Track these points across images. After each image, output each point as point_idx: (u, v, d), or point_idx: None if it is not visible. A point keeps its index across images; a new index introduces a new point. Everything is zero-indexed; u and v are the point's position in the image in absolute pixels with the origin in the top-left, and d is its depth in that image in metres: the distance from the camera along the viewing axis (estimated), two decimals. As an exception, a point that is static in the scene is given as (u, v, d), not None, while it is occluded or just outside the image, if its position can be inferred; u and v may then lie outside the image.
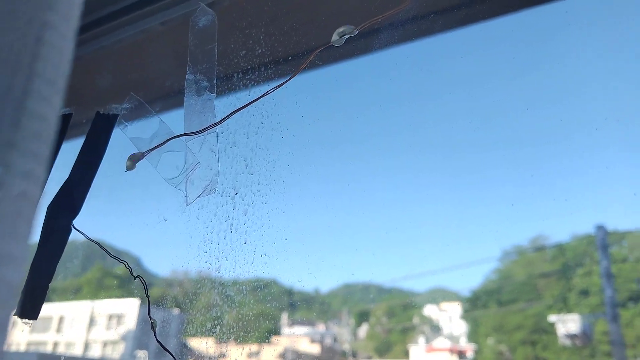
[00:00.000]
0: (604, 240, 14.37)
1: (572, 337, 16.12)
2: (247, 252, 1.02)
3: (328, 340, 63.25)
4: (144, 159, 0.87)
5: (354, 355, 68.34)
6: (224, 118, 0.85)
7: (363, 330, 69.02)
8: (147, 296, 0.77)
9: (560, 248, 54.61)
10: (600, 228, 14.42)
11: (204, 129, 0.87)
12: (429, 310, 69.02)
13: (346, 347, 66.01)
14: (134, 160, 0.88)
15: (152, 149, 0.87)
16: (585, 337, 16.13)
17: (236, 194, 0.99)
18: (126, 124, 0.97)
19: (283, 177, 1.02)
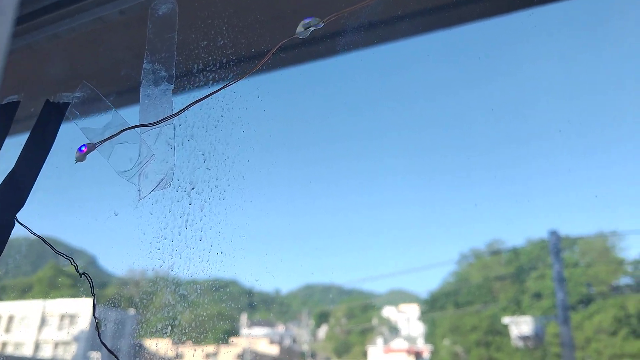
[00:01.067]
0: (556, 246, 14.99)
1: (524, 338, 16.72)
2: (203, 250, 0.98)
3: (287, 341, 63.20)
4: (95, 150, 0.83)
5: (313, 356, 68.48)
6: (182, 110, 0.82)
7: (322, 331, 69.33)
8: (93, 294, 0.73)
9: (515, 252, 56.27)
10: (553, 233, 15.04)
11: (161, 120, 0.83)
12: (388, 311, 70.09)
13: (305, 348, 66.07)
14: (84, 151, 0.84)
15: (104, 140, 0.83)
16: (537, 338, 16.77)
17: (193, 189, 0.96)
18: (77, 113, 0.92)
19: (242, 173, 0.99)
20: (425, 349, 54.79)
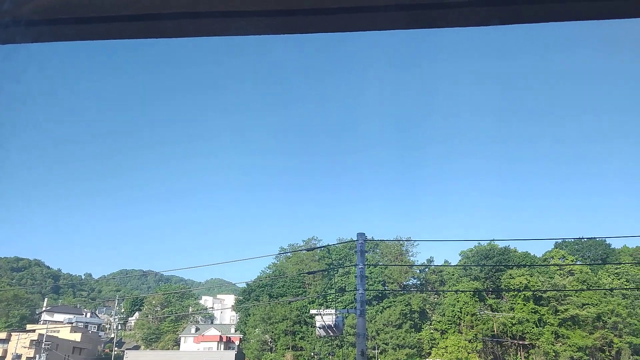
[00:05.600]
0: (362, 246, 16.28)
1: (326, 328, 17.65)
2: None
3: (92, 329, 59.96)
4: None
5: (119, 344, 65.66)
6: None
7: (135, 318, 67.03)
8: None
9: (327, 249, 61.87)
10: (360, 235, 16.23)
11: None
12: (205, 300, 70.96)
13: (112, 335, 63.11)
14: None
15: None
16: (337, 329, 17.77)
17: None
18: None
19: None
20: (237, 337, 56.60)
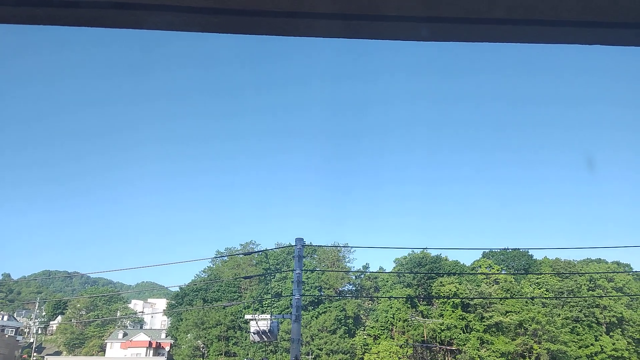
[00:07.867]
0: (300, 251, 16.43)
1: (260, 334, 17.68)
2: None
3: (9, 332, 56.58)
4: None
5: (39, 350, 62.09)
6: None
7: (57, 322, 63.68)
8: None
9: (265, 254, 61.47)
10: (299, 240, 16.37)
11: None
12: (135, 304, 68.43)
13: (31, 340, 59.69)
14: None
15: None
16: (272, 334, 17.84)
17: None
18: None
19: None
20: (167, 343, 54.97)
